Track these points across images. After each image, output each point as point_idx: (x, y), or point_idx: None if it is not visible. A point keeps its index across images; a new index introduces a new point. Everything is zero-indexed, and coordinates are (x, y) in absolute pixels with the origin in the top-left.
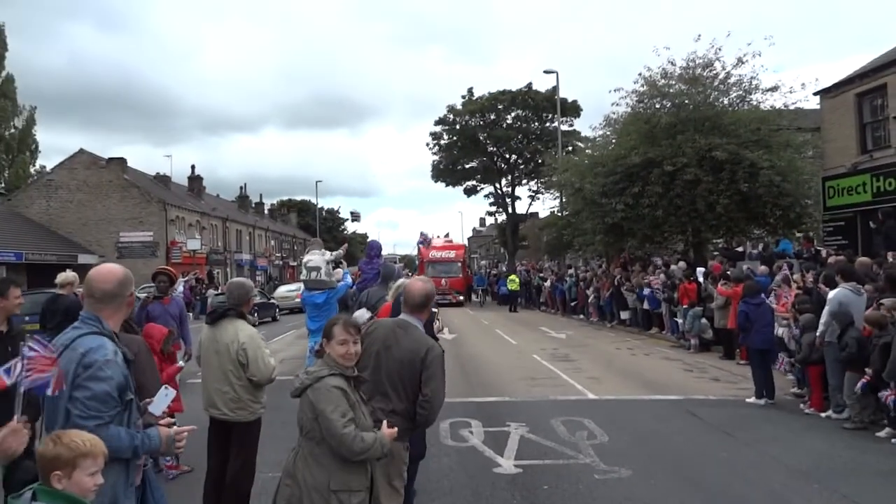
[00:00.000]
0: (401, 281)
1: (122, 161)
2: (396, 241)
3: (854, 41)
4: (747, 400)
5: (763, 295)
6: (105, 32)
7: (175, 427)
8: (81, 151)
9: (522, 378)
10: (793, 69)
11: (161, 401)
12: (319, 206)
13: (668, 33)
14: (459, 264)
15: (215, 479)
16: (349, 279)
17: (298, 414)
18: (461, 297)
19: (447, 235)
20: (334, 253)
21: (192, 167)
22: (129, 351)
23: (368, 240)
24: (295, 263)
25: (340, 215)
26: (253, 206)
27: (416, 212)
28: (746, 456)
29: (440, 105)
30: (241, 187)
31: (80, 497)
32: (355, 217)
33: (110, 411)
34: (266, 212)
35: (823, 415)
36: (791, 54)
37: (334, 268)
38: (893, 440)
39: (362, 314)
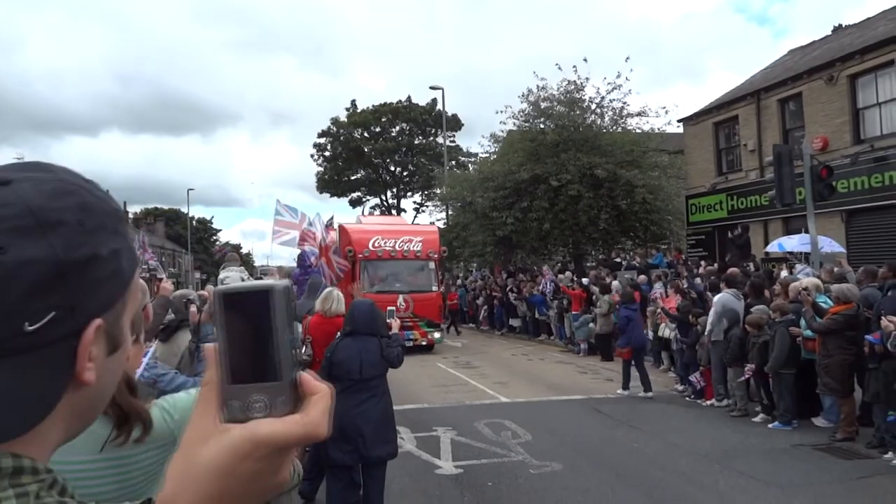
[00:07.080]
0: (328, 290)
1: None
2: (269, 251)
3: (677, 71)
4: (618, 391)
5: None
6: None
7: None
8: None
9: (435, 385)
10: (636, 95)
11: None
12: (190, 215)
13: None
14: (432, 265)
15: None
16: None
17: None
18: (436, 334)
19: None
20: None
21: None
22: None
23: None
24: (162, 276)
25: (213, 225)
26: None
27: None
28: (654, 445)
29: (295, 115)
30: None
31: None
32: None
33: None
34: (130, 220)
35: (706, 403)
36: (630, 81)
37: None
38: (769, 425)
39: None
